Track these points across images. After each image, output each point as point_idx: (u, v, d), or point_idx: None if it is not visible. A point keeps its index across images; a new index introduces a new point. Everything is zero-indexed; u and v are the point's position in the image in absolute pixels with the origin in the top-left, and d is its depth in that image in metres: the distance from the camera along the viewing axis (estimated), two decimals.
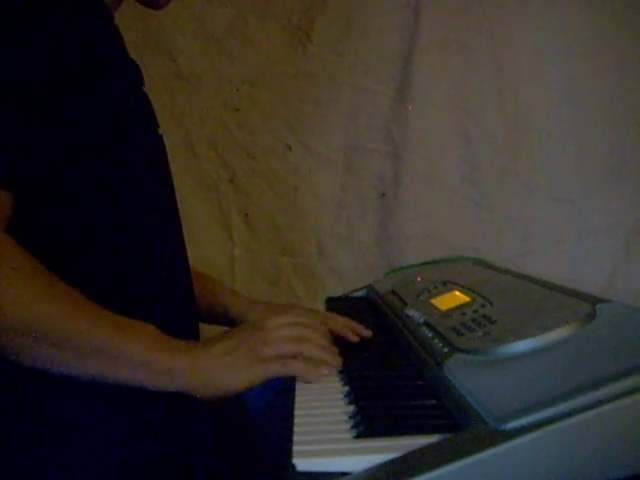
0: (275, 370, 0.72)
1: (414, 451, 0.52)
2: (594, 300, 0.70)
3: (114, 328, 0.67)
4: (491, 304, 0.82)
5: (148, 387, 0.68)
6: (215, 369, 0.70)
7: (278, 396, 0.77)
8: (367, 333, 0.91)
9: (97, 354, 0.65)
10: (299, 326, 0.80)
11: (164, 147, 0.89)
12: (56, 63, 0.68)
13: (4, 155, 0.64)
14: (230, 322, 1.02)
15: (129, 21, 1.42)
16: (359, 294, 1.33)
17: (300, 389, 0.73)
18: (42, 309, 0.63)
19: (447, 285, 0.99)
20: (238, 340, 0.74)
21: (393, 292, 1.12)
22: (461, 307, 0.85)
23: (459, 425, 0.58)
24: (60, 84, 0.68)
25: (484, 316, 0.78)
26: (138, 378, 0.67)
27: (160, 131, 0.88)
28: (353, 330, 0.91)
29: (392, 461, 0.51)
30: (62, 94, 0.68)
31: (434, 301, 0.94)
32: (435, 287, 1.01)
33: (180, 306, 0.86)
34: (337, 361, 0.78)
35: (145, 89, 0.86)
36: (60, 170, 0.69)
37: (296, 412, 0.66)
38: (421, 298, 0.99)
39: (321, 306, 1.26)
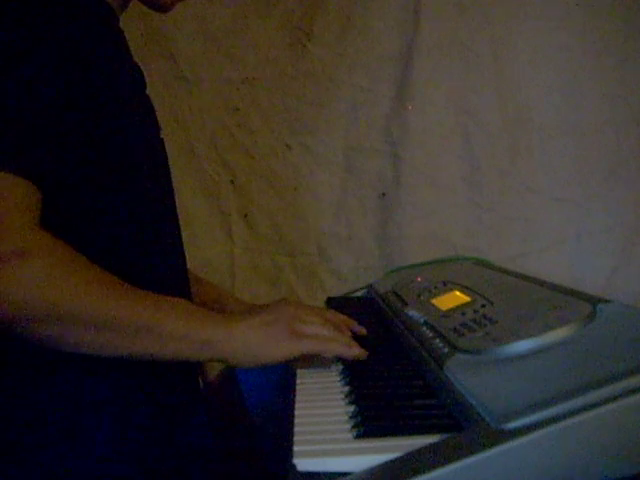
0: (313, 347, 0.76)
1: (414, 451, 0.52)
2: (594, 300, 0.70)
3: (153, 306, 0.69)
4: (491, 304, 0.82)
5: (189, 358, 0.71)
6: (254, 339, 0.73)
7: (278, 396, 0.77)
8: (362, 331, 0.92)
9: (141, 333, 0.67)
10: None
11: (165, 151, 0.90)
12: (62, 67, 0.68)
13: (32, 153, 0.66)
14: None
15: (129, 21, 1.41)
16: (359, 294, 1.33)
17: (300, 389, 0.74)
18: (86, 296, 0.65)
19: (447, 285, 0.99)
20: (276, 314, 0.77)
21: (393, 292, 1.12)
22: (461, 307, 0.85)
23: (459, 425, 0.58)
24: (66, 88, 0.68)
25: (484, 316, 0.78)
26: (180, 351, 0.70)
27: (162, 134, 0.89)
28: (348, 326, 0.92)
29: (392, 461, 0.51)
30: (68, 98, 0.68)
31: (434, 301, 0.94)
32: (435, 287, 1.01)
33: None
34: (363, 353, 0.80)
35: (148, 93, 0.86)
36: (67, 170, 0.70)
37: (296, 412, 0.66)
38: (421, 298, 0.99)
39: (321, 306, 1.26)
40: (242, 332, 0.72)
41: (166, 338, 0.69)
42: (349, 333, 0.89)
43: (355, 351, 0.77)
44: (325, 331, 0.79)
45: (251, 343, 0.72)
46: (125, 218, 0.77)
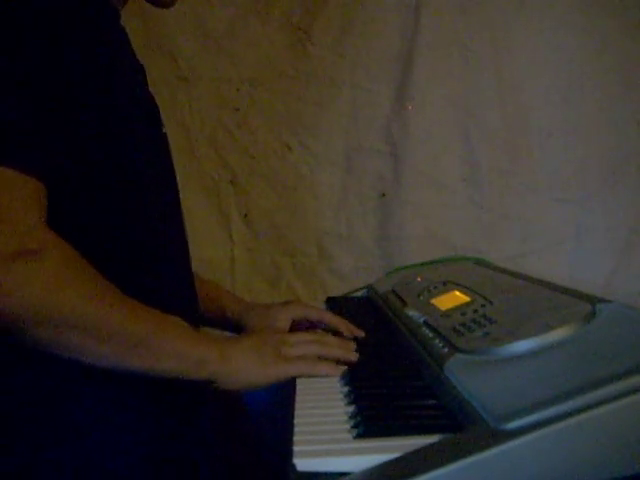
0: (300, 370, 0.76)
1: (414, 451, 0.52)
2: (594, 300, 0.70)
3: (152, 322, 0.70)
4: (491, 304, 0.82)
5: (182, 377, 0.71)
6: (243, 362, 0.74)
7: (278, 396, 0.77)
8: (359, 333, 0.93)
9: (137, 347, 0.68)
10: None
11: (168, 145, 0.90)
12: (65, 64, 0.68)
13: (39, 150, 0.65)
14: (228, 324, 1.02)
15: (129, 21, 1.42)
16: (359, 294, 1.33)
17: (300, 389, 0.74)
18: (90, 304, 0.65)
19: (447, 285, 0.99)
20: (263, 338, 0.79)
21: (393, 292, 1.12)
22: (461, 307, 0.85)
23: (459, 425, 0.58)
24: (68, 85, 0.68)
25: (484, 316, 0.78)
26: (173, 368, 0.70)
27: (164, 129, 0.89)
28: (347, 328, 0.93)
29: (392, 461, 0.51)
30: (70, 95, 0.68)
31: (434, 301, 0.94)
32: (435, 287, 1.01)
33: (182, 302, 0.86)
34: (355, 355, 0.81)
35: (150, 89, 0.87)
36: (70, 168, 0.69)
37: (296, 412, 0.66)
38: (421, 298, 0.99)
39: (321, 306, 1.26)
40: (235, 355, 0.74)
41: (160, 354, 0.69)
42: (349, 335, 0.89)
43: (338, 372, 0.77)
44: (312, 350, 0.79)
45: (240, 367, 0.74)
46: (128, 216, 0.77)
